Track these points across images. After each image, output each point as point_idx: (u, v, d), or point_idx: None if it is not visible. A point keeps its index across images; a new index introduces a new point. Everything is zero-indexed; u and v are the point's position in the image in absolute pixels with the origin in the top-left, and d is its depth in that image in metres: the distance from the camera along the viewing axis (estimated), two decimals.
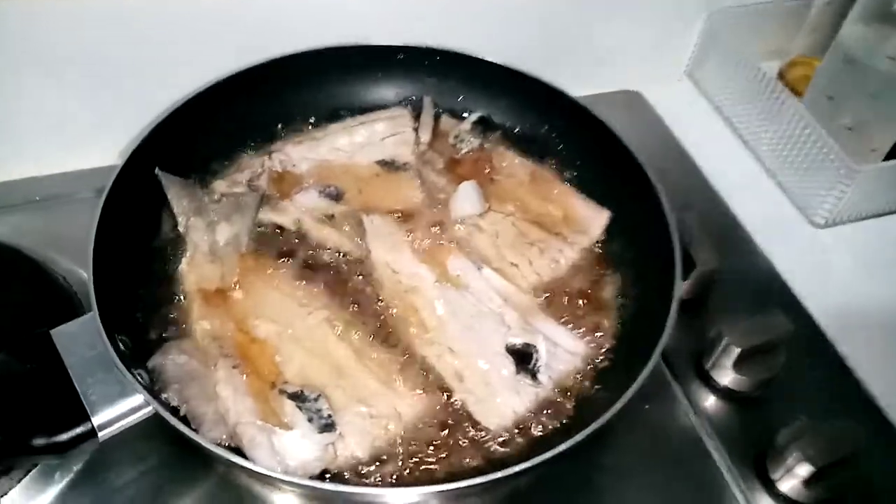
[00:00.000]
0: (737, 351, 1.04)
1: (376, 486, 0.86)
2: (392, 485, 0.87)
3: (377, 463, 0.89)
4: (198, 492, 0.94)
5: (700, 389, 1.09)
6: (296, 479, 0.79)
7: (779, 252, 1.28)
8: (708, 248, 1.14)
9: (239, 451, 0.85)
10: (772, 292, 1.22)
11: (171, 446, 0.94)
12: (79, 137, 1.25)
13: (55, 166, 1.27)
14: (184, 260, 1.05)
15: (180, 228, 1.07)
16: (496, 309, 1.03)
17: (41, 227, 1.17)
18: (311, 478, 0.85)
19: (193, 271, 1.04)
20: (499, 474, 0.81)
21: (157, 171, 1.09)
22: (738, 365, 1.06)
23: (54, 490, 0.92)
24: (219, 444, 0.84)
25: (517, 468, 0.81)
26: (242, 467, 0.79)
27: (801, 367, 1.09)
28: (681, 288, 0.97)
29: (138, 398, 0.82)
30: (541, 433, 0.93)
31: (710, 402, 1.08)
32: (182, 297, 1.02)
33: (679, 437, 1.05)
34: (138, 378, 0.84)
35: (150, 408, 0.81)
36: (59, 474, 0.93)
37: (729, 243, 1.27)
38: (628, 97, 1.57)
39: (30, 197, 1.23)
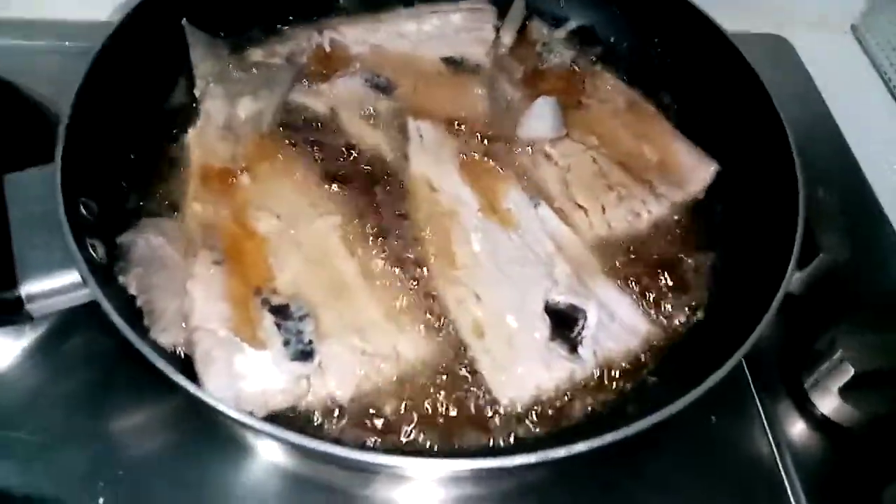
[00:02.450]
0: (851, 371, 0.79)
1: (338, 441, 0.68)
2: (364, 444, 0.69)
3: (357, 411, 0.71)
4: (156, 409, 0.80)
5: (789, 411, 0.86)
6: (231, 412, 0.61)
7: None
8: (840, 236, 0.87)
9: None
10: None
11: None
12: None
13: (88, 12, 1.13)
14: (192, 130, 0.88)
15: (196, 93, 0.91)
16: (545, 257, 0.82)
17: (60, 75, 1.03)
18: (266, 418, 0.67)
19: (201, 144, 0.88)
20: (499, 462, 0.62)
21: (183, 21, 0.92)
22: (849, 391, 0.81)
23: None
24: (165, 350, 0.69)
25: (524, 459, 0.62)
26: (177, 384, 0.62)
27: None
28: (792, 278, 0.73)
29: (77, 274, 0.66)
30: (567, 422, 0.72)
31: (800, 430, 0.85)
32: (180, 171, 0.86)
33: (748, 466, 0.83)
34: (89, 249, 0.69)
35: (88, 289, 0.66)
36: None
37: (867, 235, 1.00)
38: (773, 43, 1.29)
39: (58, 41, 1.10)
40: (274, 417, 0.68)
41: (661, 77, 1.00)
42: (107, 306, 0.64)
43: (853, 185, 1.06)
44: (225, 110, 0.90)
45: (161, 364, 0.61)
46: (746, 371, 0.87)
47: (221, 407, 0.61)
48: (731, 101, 0.92)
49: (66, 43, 1.10)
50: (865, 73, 1.28)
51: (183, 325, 0.72)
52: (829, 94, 1.21)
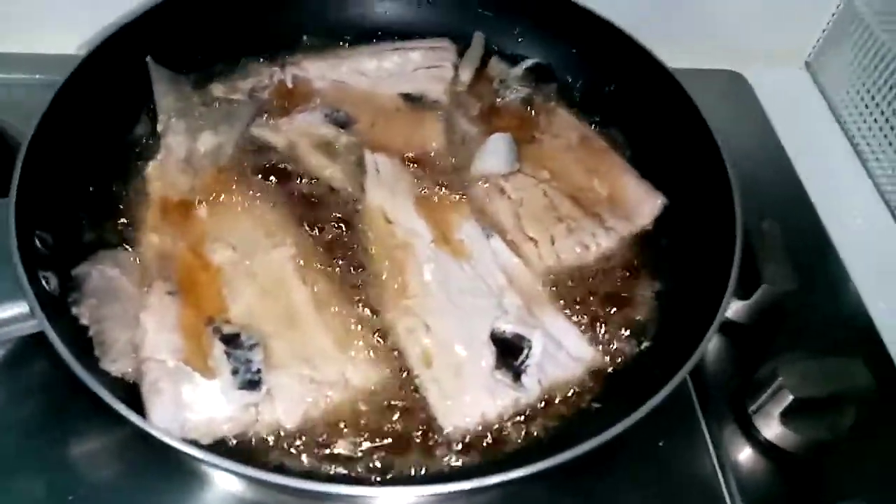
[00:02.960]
0: (789, 398, 0.81)
1: (282, 468, 0.69)
2: (309, 472, 0.70)
3: (302, 437, 0.72)
4: (110, 436, 0.79)
5: (735, 436, 0.87)
6: (173, 442, 0.63)
7: (874, 291, 1.01)
8: (784, 267, 0.90)
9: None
10: (857, 336, 0.97)
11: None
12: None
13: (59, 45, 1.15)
14: (152, 163, 0.90)
15: (159, 128, 0.93)
16: (496, 289, 0.84)
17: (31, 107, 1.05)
18: (213, 447, 0.68)
19: (160, 177, 0.90)
20: (439, 488, 0.64)
21: (147, 58, 0.95)
22: (789, 416, 0.83)
23: None
24: (116, 380, 0.70)
25: (464, 485, 0.63)
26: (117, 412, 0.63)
27: (874, 436, 0.85)
28: (728, 304, 0.75)
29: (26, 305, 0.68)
30: (511, 448, 0.74)
31: (744, 454, 0.86)
32: (139, 204, 0.88)
33: (694, 489, 0.84)
34: (41, 281, 0.71)
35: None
36: None
37: (815, 268, 1.02)
38: (729, 79, 1.32)
39: (29, 74, 1.13)
40: (222, 446, 0.70)
41: (613, 113, 1.03)
42: (53, 337, 0.65)
43: (803, 219, 1.09)
44: (186, 144, 0.92)
45: (105, 395, 0.63)
46: (694, 397, 0.88)
47: (163, 437, 0.62)
48: (678, 136, 0.95)
49: (37, 76, 1.13)
50: (819, 108, 1.32)
51: (133, 355, 0.73)
52: (783, 129, 1.24)
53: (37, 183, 0.77)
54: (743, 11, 1.28)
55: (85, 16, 1.09)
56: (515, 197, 0.93)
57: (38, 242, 0.75)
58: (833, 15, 1.31)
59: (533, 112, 1.03)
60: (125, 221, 0.86)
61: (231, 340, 0.76)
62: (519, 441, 0.74)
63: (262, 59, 1.04)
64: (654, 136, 0.99)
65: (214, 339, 0.76)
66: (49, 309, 0.68)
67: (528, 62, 1.08)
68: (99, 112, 0.90)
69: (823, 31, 1.34)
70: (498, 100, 1.04)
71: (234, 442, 0.71)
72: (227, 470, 0.61)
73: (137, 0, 0.98)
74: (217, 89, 0.99)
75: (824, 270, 1.05)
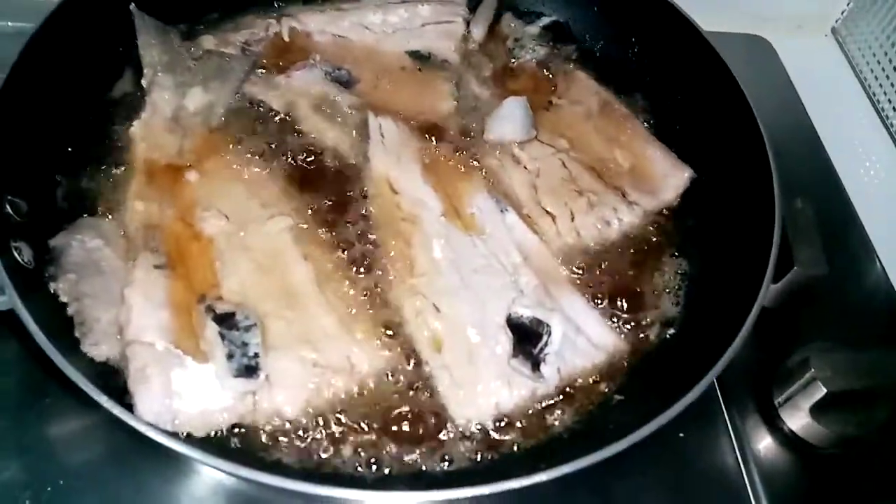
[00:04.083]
0: (822, 392, 0.76)
1: (279, 464, 0.63)
2: (306, 471, 0.64)
3: (303, 428, 0.67)
4: (90, 417, 0.73)
5: (758, 427, 0.83)
6: (160, 437, 0.56)
7: None
8: (816, 249, 0.84)
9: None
10: (886, 320, 0.92)
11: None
12: None
13: None
14: (137, 122, 0.83)
15: (143, 83, 0.85)
16: (511, 267, 0.77)
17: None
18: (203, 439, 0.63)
19: (146, 137, 0.82)
20: (450, 494, 0.58)
21: (131, 6, 0.87)
22: (820, 410, 0.78)
23: None
24: (95, 364, 0.64)
25: (470, 491, 0.58)
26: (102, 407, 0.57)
27: None
28: (767, 292, 0.69)
29: None
30: (528, 444, 0.68)
31: (768, 446, 0.81)
32: (123, 167, 0.80)
33: (715, 482, 0.79)
34: (12, 252, 0.64)
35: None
36: None
37: (842, 247, 0.97)
38: (754, 43, 1.25)
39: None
40: (216, 439, 0.64)
41: (637, 78, 0.96)
42: (26, 317, 0.59)
43: (829, 194, 1.04)
44: (173, 102, 0.85)
45: (85, 384, 0.56)
46: (716, 385, 0.83)
47: (151, 432, 0.56)
48: (708, 105, 0.89)
49: (8, 23, 1.03)
50: (845, 75, 1.26)
51: (118, 336, 0.67)
52: (808, 96, 1.18)
53: (8, 143, 0.70)
54: None
55: None
56: (532, 167, 0.86)
57: (9, 209, 0.68)
58: None
59: (550, 75, 0.96)
60: (108, 186, 0.79)
61: (225, 320, 0.69)
62: (536, 436, 0.68)
63: (257, 10, 0.95)
64: (681, 103, 0.93)
65: (207, 319, 0.69)
66: (22, 284, 0.62)
67: (545, 20, 1.01)
68: (77, 65, 0.82)
69: None
70: (512, 60, 0.97)
71: (229, 433, 0.65)
72: (223, 470, 0.55)
73: None
74: (208, 41, 0.91)
75: (849, 247, 1.00)
